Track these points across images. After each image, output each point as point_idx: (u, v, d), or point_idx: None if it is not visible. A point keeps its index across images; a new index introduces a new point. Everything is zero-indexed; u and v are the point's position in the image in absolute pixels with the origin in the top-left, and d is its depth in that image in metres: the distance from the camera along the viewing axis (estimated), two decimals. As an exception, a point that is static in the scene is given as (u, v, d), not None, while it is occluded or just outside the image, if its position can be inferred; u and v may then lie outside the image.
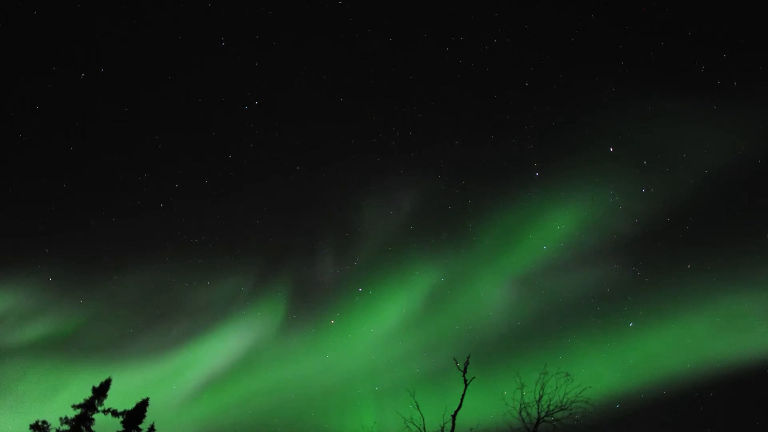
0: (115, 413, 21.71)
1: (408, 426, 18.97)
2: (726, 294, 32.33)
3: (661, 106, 34.24)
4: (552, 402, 18.46)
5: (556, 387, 18.46)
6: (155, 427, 22.16)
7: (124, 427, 21.62)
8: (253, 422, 32.69)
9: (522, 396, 18.84)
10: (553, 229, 35.35)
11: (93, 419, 21.59)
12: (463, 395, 19.15)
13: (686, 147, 33.28)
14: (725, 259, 32.73)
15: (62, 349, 33.58)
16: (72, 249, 35.34)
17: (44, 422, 21.13)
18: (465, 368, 19.41)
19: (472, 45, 34.96)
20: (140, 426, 21.93)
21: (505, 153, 36.11)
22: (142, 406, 22.22)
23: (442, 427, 18.89)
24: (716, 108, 32.24)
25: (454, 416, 18.90)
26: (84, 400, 21.76)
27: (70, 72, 33.20)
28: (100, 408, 21.75)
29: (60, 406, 22.71)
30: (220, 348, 36.11)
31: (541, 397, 18.64)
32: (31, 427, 21.01)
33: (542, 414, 18.49)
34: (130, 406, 22.21)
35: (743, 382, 29.66)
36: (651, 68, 33.85)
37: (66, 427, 21.08)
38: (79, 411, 21.50)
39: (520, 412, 18.65)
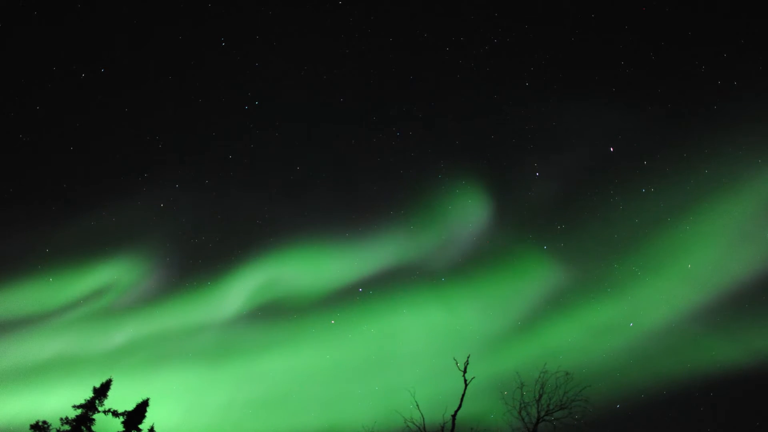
0: (115, 414, 21.71)
1: (408, 426, 19.02)
2: (726, 294, 32.37)
3: (661, 106, 34.33)
4: (552, 401, 18.53)
5: (556, 386, 18.53)
6: (155, 428, 22.19)
7: (124, 427, 21.62)
8: (253, 423, 32.73)
9: (522, 395, 18.90)
10: (554, 229, 35.42)
11: (93, 419, 21.59)
12: (463, 395, 19.19)
13: (686, 147, 33.36)
14: (725, 259, 32.79)
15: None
16: (72, 249, 35.39)
17: (44, 422, 21.14)
18: (465, 368, 19.46)
19: (472, 45, 35.06)
20: (140, 426, 21.93)
21: (505, 153, 36.18)
22: (142, 406, 22.21)
23: (442, 427, 18.92)
24: (716, 108, 32.33)
25: (454, 416, 18.92)
26: (85, 400, 21.78)
27: (70, 72, 33.27)
28: (100, 408, 21.76)
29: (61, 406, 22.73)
30: (220, 348, 36.16)
31: (541, 396, 18.70)
32: (32, 427, 21.01)
33: (542, 413, 18.52)
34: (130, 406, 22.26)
35: (743, 382, 29.69)
36: (651, 68, 33.92)
37: (66, 427, 21.07)
38: (79, 411, 21.51)
39: (520, 411, 18.71)
